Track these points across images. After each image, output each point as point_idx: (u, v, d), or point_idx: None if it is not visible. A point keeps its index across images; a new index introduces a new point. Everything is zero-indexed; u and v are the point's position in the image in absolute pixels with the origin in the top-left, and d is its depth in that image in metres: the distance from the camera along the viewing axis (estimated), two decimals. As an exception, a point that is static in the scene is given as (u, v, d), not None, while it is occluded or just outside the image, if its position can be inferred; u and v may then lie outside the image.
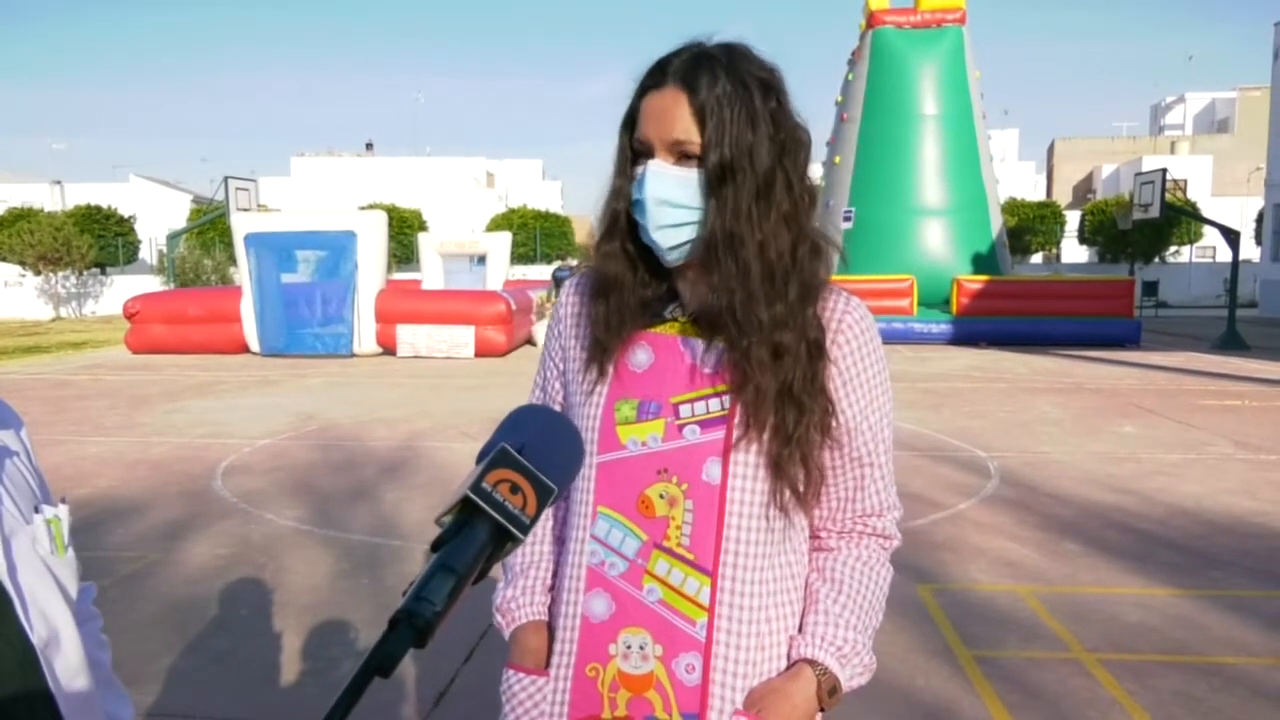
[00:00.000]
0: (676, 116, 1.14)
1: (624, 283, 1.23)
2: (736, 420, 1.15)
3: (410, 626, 0.67)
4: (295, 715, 3.24)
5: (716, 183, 1.13)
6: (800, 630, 1.21)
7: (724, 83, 1.13)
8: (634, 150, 1.19)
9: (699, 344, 1.20)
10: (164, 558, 4.90)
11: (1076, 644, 3.79)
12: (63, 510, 1.02)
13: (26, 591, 0.91)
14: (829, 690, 1.17)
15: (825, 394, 1.18)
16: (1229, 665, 3.59)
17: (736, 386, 1.16)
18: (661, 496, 1.17)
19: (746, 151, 1.13)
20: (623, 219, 1.21)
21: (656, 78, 1.17)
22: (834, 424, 1.19)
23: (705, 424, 1.16)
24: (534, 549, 1.35)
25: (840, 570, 1.24)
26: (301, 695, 3.38)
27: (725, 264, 1.14)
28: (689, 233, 1.16)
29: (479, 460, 0.80)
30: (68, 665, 0.95)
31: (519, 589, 1.32)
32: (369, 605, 4.23)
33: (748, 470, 1.16)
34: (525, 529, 0.75)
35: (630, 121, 1.19)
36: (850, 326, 1.20)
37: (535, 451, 0.81)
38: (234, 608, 4.23)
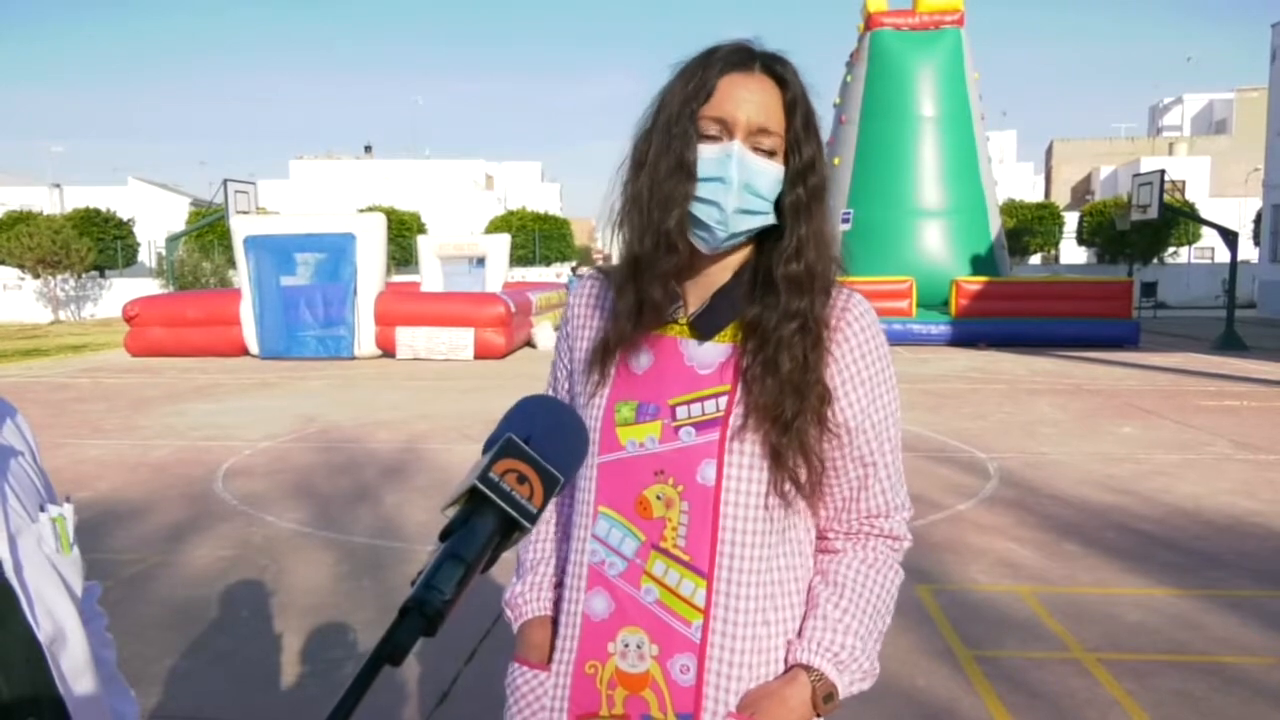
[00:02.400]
0: (768, 105, 1.14)
1: (675, 261, 1.18)
2: (732, 417, 1.16)
3: (420, 615, 0.68)
4: (297, 716, 3.24)
5: (806, 177, 1.16)
6: (799, 634, 1.21)
7: (801, 86, 1.17)
8: (699, 128, 1.15)
9: (698, 346, 1.20)
10: (165, 560, 4.90)
11: (1076, 644, 3.79)
12: (68, 509, 1.03)
13: (33, 589, 0.91)
14: (824, 697, 1.17)
15: (821, 382, 1.17)
16: (1228, 665, 3.59)
17: (747, 376, 1.16)
18: (658, 498, 1.17)
19: (819, 154, 1.17)
20: (690, 195, 1.15)
21: (744, 60, 1.16)
22: (830, 415, 1.18)
23: (700, 426, 1.16)
24: (544, 545, 1.37)
25: (843, 573, 1.23)
26: (303, 696, 3.39)
27: (809, 258, 1.16)
28: (756, 222, 1.17)
29: (485, 450, 0.81)
30: (74, 663, 0.96)
31: (527, 585, 1.34)
32: (370, 607, 4.24)
33: (743, 472, 1.15)
34: (532, 519, 0.76)
35: (699, 93, 1.15)
36: (852, 324, 1.20)
37: (541, 442, 0.81)
38: (235, 609, 4.23)
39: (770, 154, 1.15)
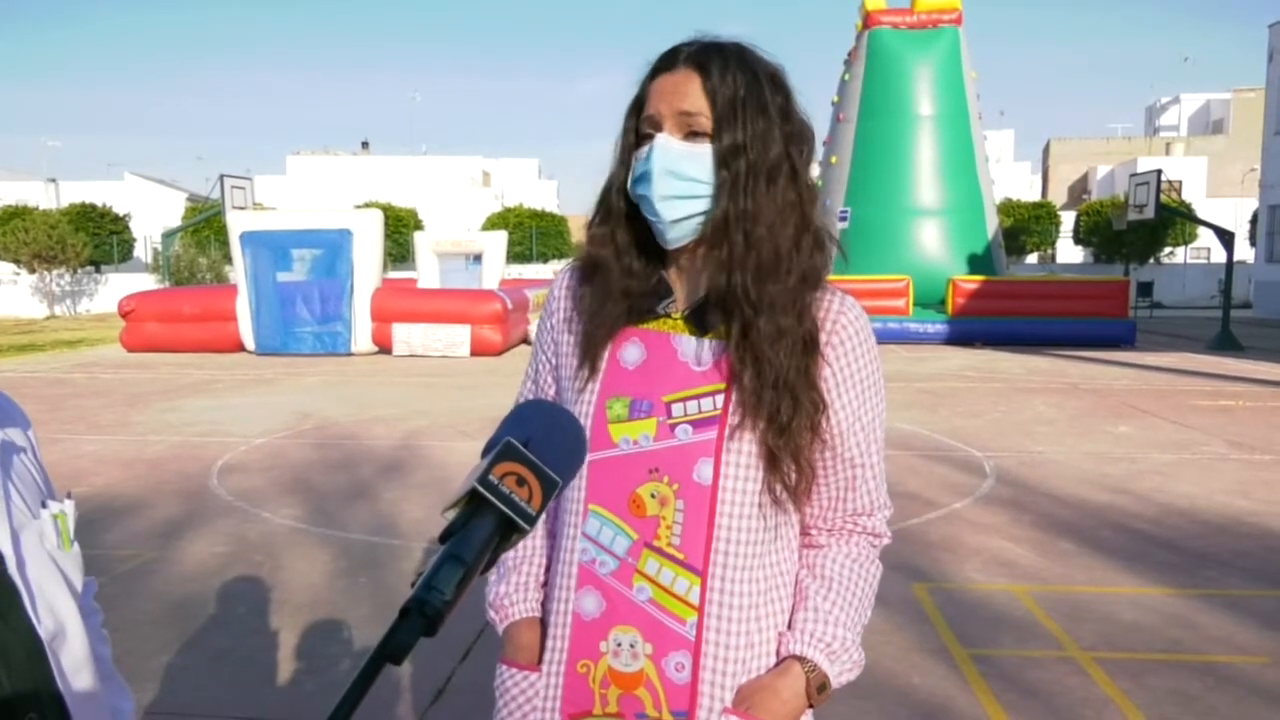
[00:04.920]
0: (688, 92, 1.15)
1: (610, 267, 1.23)
2: (730, 416, 1.16)
3: (421, 615, 0.68)
4: (292, 713, 3.25)
5: (729, 159, 1.15)
6: (790, 627, 1.22)
7: (735, 69, 1.16)
8: (639, 133, 1.19)
9: (692, 341, 1.20)
10: (161, 556, 4.90)
11: (1072, 643, 3.80)
12: (68, 506, 1.03)
13: (34, 585, 0.92)
14: (818, 687, 1.18)
15: (816, 389, 1.18)
16: (1223, 664, 3.61)
17: (734, 373, 1.16)
18: (653, 496, 1.17)
19: (759, 135, 1.15)
20: (619, 203, 1.22)
21: (668, 61, 1.19)
22: (824, 423, 1.18)
23: (698, 424, 1.16)
24: (526, 544, 1.34)
25: (830, 568, 1.24)
26: (299, 693, 3.39)
27: (735, 239, 1.15)
28: (694, 207, 1.16)
29: (484, 454, 0.81)
30: (74, 658, 0.96)
31: (512, 585, 1.32)
32: (366, 604, 4.24)
33: (739, 471, 1.16)
34: (531, 521, 0.76)
35: (637, 106, 1.21)
36: (845, 327, 1.20)
37: (540, 445, 0.82)
38: (231, 606, 4.23)
39: (704, 136, 1.16)
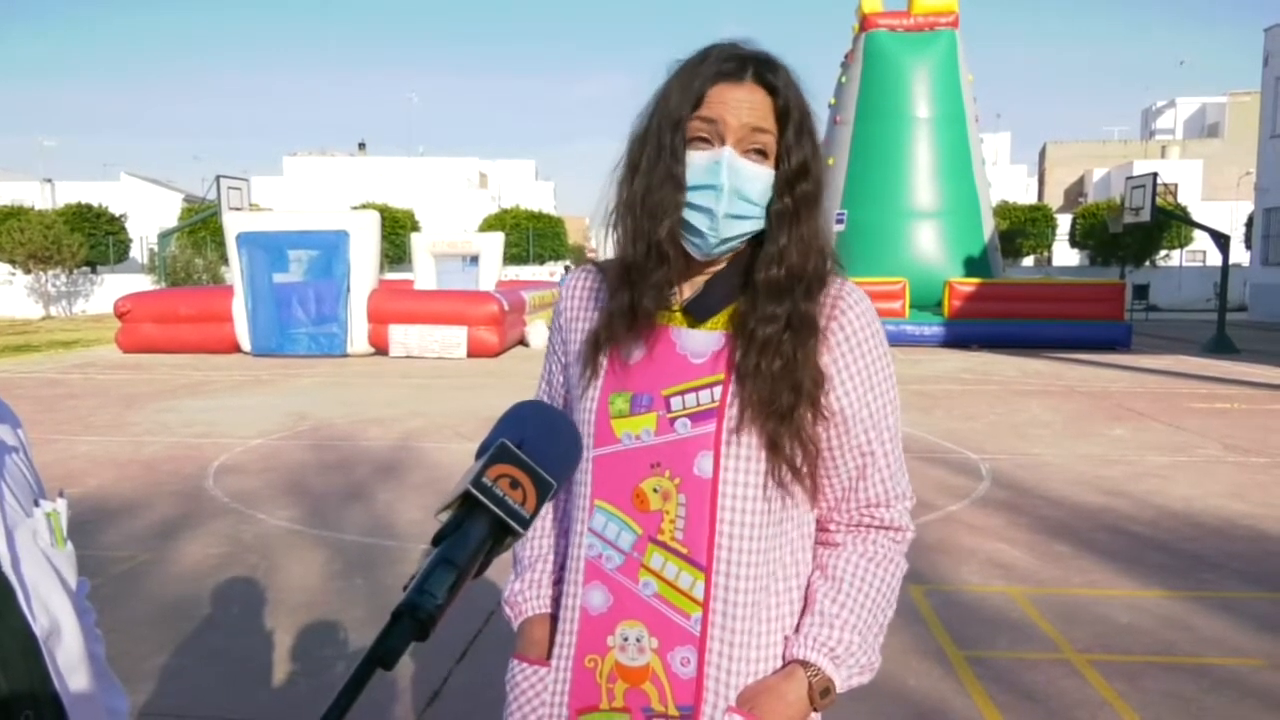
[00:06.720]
0: (758, 110, 1.15)
1: (673, 265, 1.20)
2: (730, 410, 1.15)
3: (412, 619, 0.68)
4: (287, 714, 3.24)
5: (795, 182, 1.16)
6: (796, 630, 1.21)
7: (796, 91, 1.17)
8: (688, 134, 1.17)
9: (690, 334, 1.20)
10: (156, 557, 4.88)
11: (1067, 645, 3.80)
12: (61, 504, 1.03)
13: (29, 583, 0.91)
14: (821, 691, 1.17)
15: (817, 368, 1.18)
16: (1218, 666, 3.61)
17: (741, 368, 1.16)
18: (655, 490, 1.17)
19: (812, 159, 1.17)
20: (680, 204, 1.17)
21: (735, 68, 1.16)
22: (825, 401, 1.18)
23: (696, 417, 1.16)
24: (541, 543, 1.37)
25: (841, 567, 1.23)
26: (294, 695, 3.38)
27: (793, 261, 1.17)
28: (747, 227, 1.17)
29: (479, 455, 0.81)
30: (69, 657, 0.96)
31: (526, 582, 1.34)
32: (362, 605, 4.23)
33: (740, 463, 1.15)
34: (525, 523, 0.76)
35: (693, 101, 1.16)
36: (845, 312, 1.20)
37: (534, 447, 0.81)
38: (226, 607, 4.22)
39: (762, 156, 1.16)
